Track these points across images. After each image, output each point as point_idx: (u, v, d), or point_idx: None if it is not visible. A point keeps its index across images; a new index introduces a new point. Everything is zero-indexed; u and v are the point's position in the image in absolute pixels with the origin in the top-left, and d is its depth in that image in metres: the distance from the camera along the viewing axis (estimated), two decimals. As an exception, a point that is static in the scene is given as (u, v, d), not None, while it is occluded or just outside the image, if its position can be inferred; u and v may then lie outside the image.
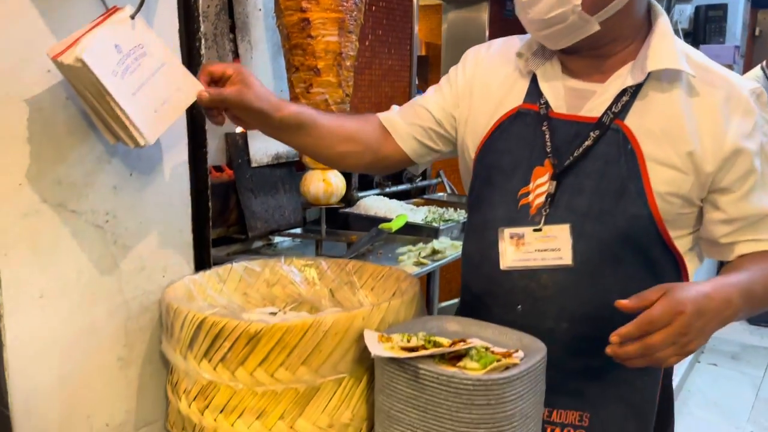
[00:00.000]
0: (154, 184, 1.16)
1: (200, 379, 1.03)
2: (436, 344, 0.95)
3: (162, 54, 0.99)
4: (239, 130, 1.78)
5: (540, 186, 1.08)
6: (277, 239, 1.90)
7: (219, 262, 1.46)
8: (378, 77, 3.20)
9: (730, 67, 3.83)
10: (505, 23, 4.08)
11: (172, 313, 1.06)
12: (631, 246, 1.04)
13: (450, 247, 1.71)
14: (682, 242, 1.08)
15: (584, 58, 1.09)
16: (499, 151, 1.13)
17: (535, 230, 1.06)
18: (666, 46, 1.04)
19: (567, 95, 1.10)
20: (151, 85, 0.97)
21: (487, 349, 0.96)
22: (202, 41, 1.22)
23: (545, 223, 1.06)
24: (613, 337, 0.88)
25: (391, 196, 2.32)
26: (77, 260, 1.05)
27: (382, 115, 1.27)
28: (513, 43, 1.19)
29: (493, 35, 4.08)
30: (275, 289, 1.38)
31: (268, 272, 1.38)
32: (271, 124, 1.11)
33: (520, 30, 1.15)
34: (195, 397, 1.05)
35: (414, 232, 1.91)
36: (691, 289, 0.88)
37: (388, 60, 3.26)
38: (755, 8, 5.24)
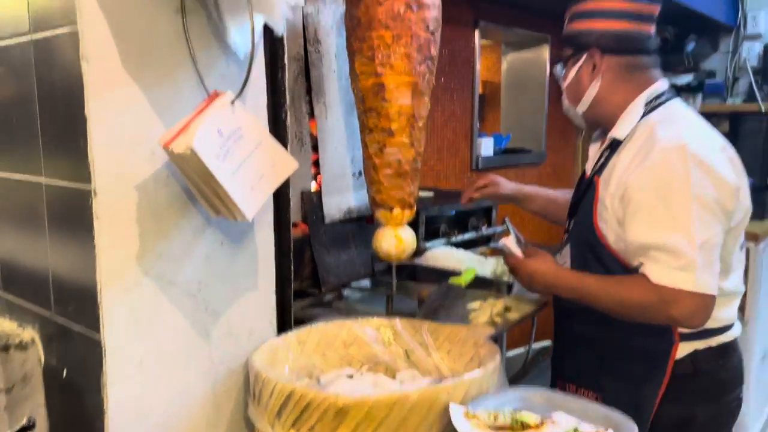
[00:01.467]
0: (242, 252, 1.21)
1: (288, 448, 1.05)
2: (524, 424, 0.95)
3: (258, 133, 1.05)
4: (314, 188, 1.83)
5: (568, 223, 1.56)
6: (347, 292, 1.93)
7: (295, 319, 1.51)
8: (440, 123, 3.24)
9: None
10: (566, 64, 4.06)
11: (260, 381, 1.09)
12: (600, 263, 1.40)
13: (524, 302, 1.70)
14: None
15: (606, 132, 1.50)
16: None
17: (561, 253, 1.53)
18: (627, 118, 1.41)
19: (591, 160, 1.55)
20: (249, 164, 1.03)
21: (576, 430, 0.95)
22: (288, 113, 1.28)
23: (562, 247, 1.53)
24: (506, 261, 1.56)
25: (458, 244, 2.33)
26: (173, 328, 1.10)
27: None
28: None
29: (554, 77, 4.07)
30: (352, 349, 1.41)
31: (345, 333, 1.40)
32: (517, 200, 1.83)
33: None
34: (282, 465, 1.07)
35: (484, 285, 1.91)
36: (538, 265, 1.44)
37: (451, 105, 3.30)
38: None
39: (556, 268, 1.45)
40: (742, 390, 1.45)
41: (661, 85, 1.44)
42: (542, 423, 0.95)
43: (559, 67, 1.55)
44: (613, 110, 1.44)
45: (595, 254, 1.41)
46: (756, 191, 3.33)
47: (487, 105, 4.93)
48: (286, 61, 1.28)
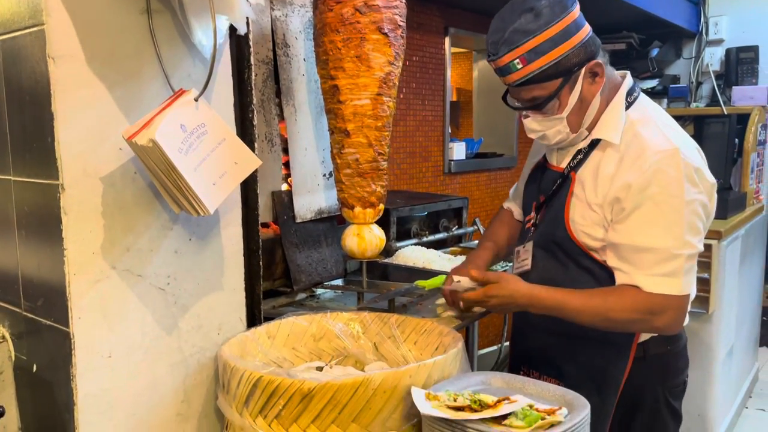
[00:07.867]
0: (210, 247, 1.23)
1: (255, 435, 1.08)
2: (482, 403, 0.99)
3: (221, 130, 1.08)
4: (284, 187, 1.86)
5: (534, 216, 1.54)
6: (319, 291, 1.96)
7: (266, 317, 1.53)
8: (412, 128, 3.29)
9: (764, 107, 3.75)
10: (536, 70, 4.15)
11: (229, 371, 1.12)
12: (570, 258, 1.44)
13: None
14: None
15: None
16: (525, 192, 1.64)
17: (524, 247, 1.54)
18: (610, 119, 1.40)
19: (557, 153, 1.52)
20: (212, 160, 1.06)
21: (531, 407, 0.99)
22: (254, 112, 1.32)
23: (526, 241, 1.54)
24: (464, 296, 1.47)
25: (429, 244, 2.37)
26: (142, 321, 1.12)
27: (508, 206, 1.81)
28: None
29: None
30: (321, 343, 1.44)
31: (314, 327, 1.44)
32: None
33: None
34: (250, 453, 1.10)
35: (452, 282, 1.95)
36: (511, 285, 1.39)
37: (422, 111, 3.35)
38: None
39: (530, 286, 1.40)
40: (687, 373, 1.52)
41: (630, 78, 1.45)
42: (499, 402, 0.99)
43: (532, 112, 1.42)
44: (597, 113, 1.41)
45: (563, 249, 1.43)
46: (719, 191, 3.43)
47: (461, 112, 5.00)
48: (252, 61, 1.32)
